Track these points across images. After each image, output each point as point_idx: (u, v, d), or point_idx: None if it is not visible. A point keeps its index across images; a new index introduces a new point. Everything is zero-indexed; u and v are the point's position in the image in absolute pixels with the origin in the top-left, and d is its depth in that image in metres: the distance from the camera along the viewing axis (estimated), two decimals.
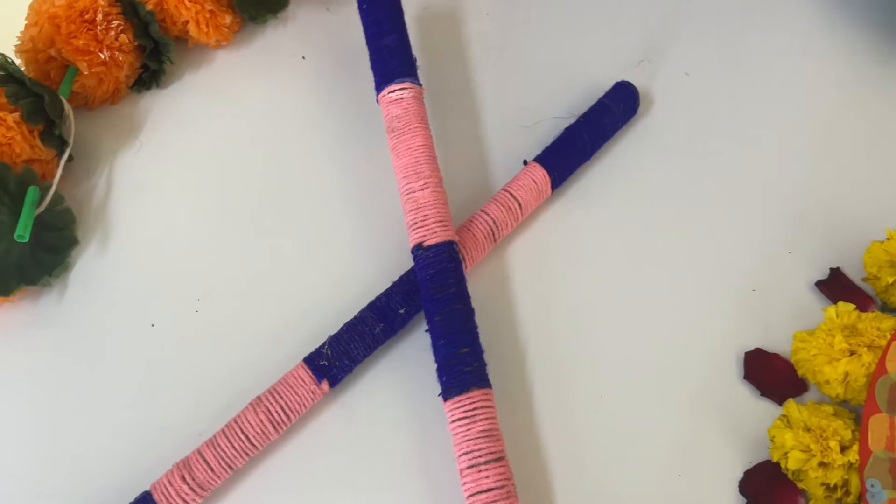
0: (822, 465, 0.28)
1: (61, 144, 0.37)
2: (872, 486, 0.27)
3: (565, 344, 0.34)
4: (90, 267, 0.36)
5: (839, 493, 0.28)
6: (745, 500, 0.30)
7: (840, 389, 0.30)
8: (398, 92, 0.35)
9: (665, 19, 0.41)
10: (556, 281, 0.35)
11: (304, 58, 0.41)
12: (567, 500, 0.30)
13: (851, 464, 0.28)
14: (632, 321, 0.34)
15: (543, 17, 0.42)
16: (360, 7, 0.37)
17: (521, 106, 0.39)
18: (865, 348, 0.30)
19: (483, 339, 0.33)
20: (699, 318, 0.34)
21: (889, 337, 0.30)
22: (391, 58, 0.36)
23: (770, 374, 0.32)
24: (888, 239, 0.33)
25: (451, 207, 0.36)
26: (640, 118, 0.39)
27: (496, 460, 0.29)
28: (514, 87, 0.40)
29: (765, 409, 0.32)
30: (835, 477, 0.28)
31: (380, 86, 0.36)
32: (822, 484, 0.28)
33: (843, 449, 0.29)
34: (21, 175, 0.35)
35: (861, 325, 0.31)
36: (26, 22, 0.39)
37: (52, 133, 0.37)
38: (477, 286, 0.35)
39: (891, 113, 0.38)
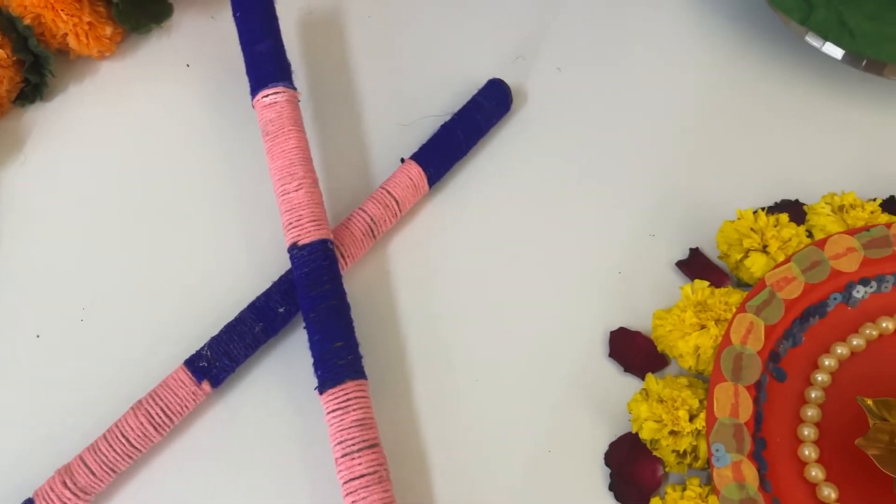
0: (673, 433, 0.30)
1: None
2: (717, 450, 0.29)
3: (444, 333, 0.35)
4: None
5: (689, 459, 0.30)
6: (609, 471, 0.32)
7: (692, 362, 0.32)
8: (271, 96, 0.36)
9: (539, 17, 0.43)
10: (435, 273, 0.36)
11: (188, 65, 0.42)
12: (442, 481, 0.32)
13: (699, 431, 0.30)
14: (507, 308, 0.35)
15: (423, 19, 0.43)
16: (234, 15, 0.38)
17: (402, 106, 0.40)
18: (713, 322, 0.32)
19: (365, 332, 0.34)
20: (569, 301, 0.35)
21: (734, 311, 0.32)
22: (264, 63, 0.36)
23: (633, 351, 0.34)
24: (738, 219, 0.35)
25: (333, 207, 0.38)
26: (515, 113, 0.40)
27: (369, 447, 0.30)
28: (394, 88, 0.41)
29: (629, 385, 0.33)
30: (684, 444, 0.30)
31: (254, 90, 0.37)
32: (674, 451, 0.30)
33: (692, 417, 0.31)
34: None
35: (711, 300, 0.33)
36: None
37: None
38: (359, 282, 0.36)
39: (744, 102, 0.40)
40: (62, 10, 0.39)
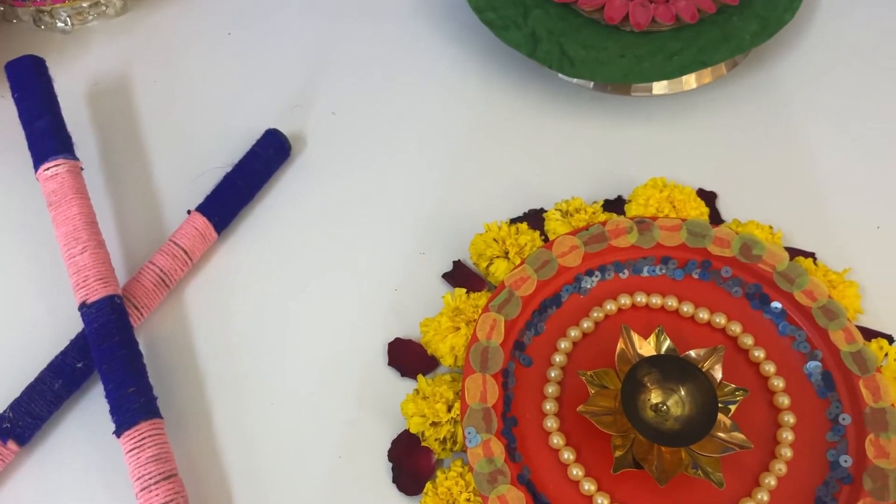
0: (434, 424, 0.35)
1: None
2: (469, 433, 0.34)
3: (240, 367, 0.38)
4: None
5: (449, 444, 0.35)
6: (392, 466, 0.36)
7: (451, 360, 0.37)
8: (52, 168, 0.39)
9: (312, 68, 0.47)
10: (230, 312, 0.40)
11: None
12: (244, 500, 0.35)
13: (455, 419, 0.35)
14: (296, 334, 0.39)
15: (206, 79, 0.47)
16: (13, 95, 0.41)
17: (191, 161, 0.44)
18: (465, 324, 0.37)
19: (166, 375, 0.37)
20: (352, 321, 0.40)
21: (481, 311, 0.37)
22: (44, 139, 0.39)
23: (408, 358, 0.38)
24: (485, 231, 0.40)
25: (129, 263, 0.41)
26: (297, 157, 0.44)
27: (165, 479, 0.33)
28: (183, 145, 0.44)
29: (407, 388, 0.38)
30: (443, 432, 0.35)
31: (36, 164, 0.39)
32: (437, 440, 0.35)
33: (450, 408, 0.35)
34: None
35: (464, 305, 0.38)
36: None
37: None
38: (159, 329, 0.39)
39: (500, 127, 0.45)
40: None
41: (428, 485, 0.35)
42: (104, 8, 0.48)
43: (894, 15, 0.48)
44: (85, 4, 0.47)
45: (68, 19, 0.47)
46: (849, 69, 0.47)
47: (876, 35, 0.48)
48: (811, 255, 0.40)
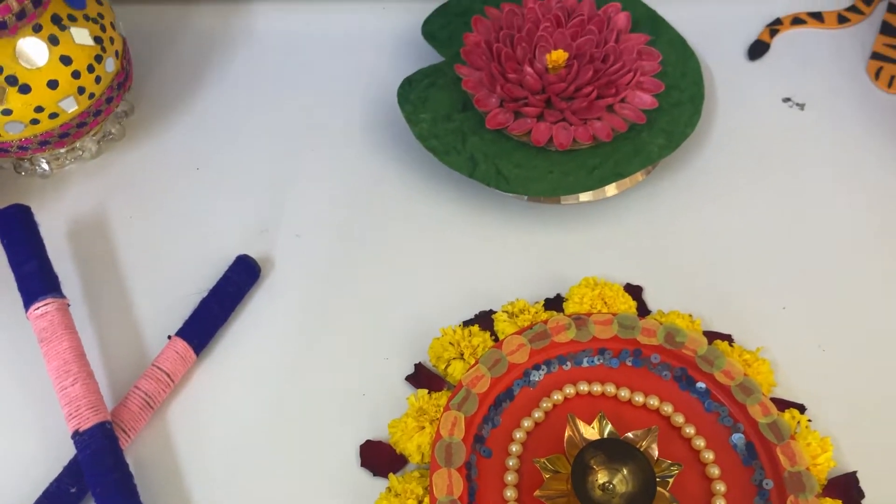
0: None
1: None
2: None
3: (221, 476, 0.42)
4: None
5: None
6: None
7: (418, 458, 0.41)
8: (42, 308, 0.42)
9: (277, 193, 0.52)
10: (210, 429, 0.43)
11: None
12: None
13: None
14: (275, 444, 0.43)
15: (178, 211, 0.51)
16: (1, 241, 0.44)
17: (169, 288, 0.48)
18: (429, 422, 0.41)
19: (153, 493, 0.40)
20: (328, 426, 0.43)
21: (442, 410, 0.41)
22: (32, 281, 0.43)
23: (379, 458, 0.42)
24: (442, 335, 0.44)
25: (114, 388, 0.44)
26: (265, 279, 0.49)
27: None
28: (159, 275, 0.48)
29: (380, 487, 0.41)
30: None
31: (27, 305, 0.43)
32: None
33: (420, 503, 0.39)
34: None
35: (427, 405, 0.42)
36: None
37: None
38: (145, 449, 0.42)
39: (446, 241, 0.51)
40: None
41: None
42: (80, 152, 0.52)
43: (777, 121, 0.56)
44: (62, 150, 0.51)
45: (47, 165, 0.52)
46: (745, 169, 0.53)
47: (766, 139, 0.55)
48: (728, 337, 0.46)
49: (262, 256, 0.49)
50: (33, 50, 0.46)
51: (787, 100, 0.56)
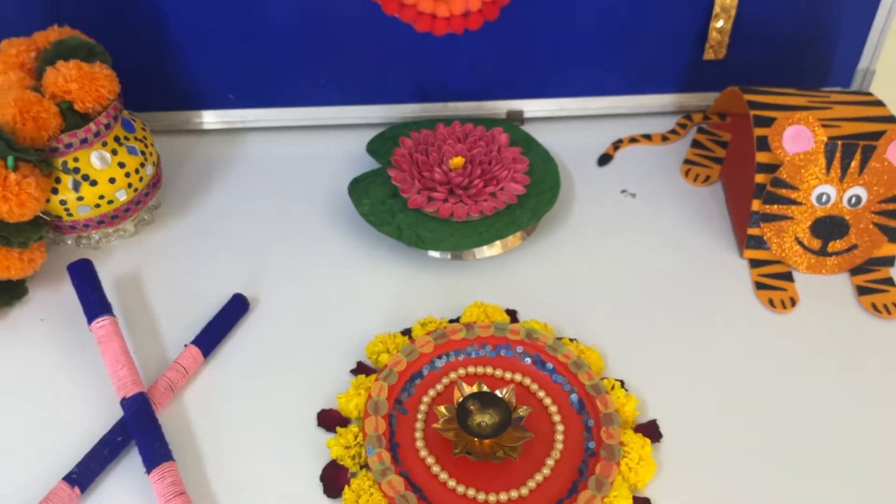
0: (347, 447, 0.56)
1: None
2: (369, 448, 0.56)
3: (221, 439, 0.59)
4: None
5: (358, 459, 0.56)
6: (322, 484, 0.56)
7: (356, 414, 0.59)
8: (101, 322, 0.62)
9: (264, 256, 0.73)
10: (213, 407, 0.62)
11: (42, 320, 0.67)
12: None
13: (360, 444, 0.57)
14: (260, 414, 0.61)
15: (193, 267, 0.72)
16: (73, 282, 0.65)
17: (184, 315, 0.67)
18: (364, 391, 0.60)
19: (173, 447, 0.58)
20: (296, 401, 0.62)
21: (372, 382, 0.60)
22: (94, 305, 0.63)
23: (329, 419, 0.60)
24: (376, 339, 0.64)
25: (148, 377, 0.62)
26: (252, 311, 0.69)
27: (177, 495, 0.53)
28: (178, 306, 0.68)
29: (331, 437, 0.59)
30: (353, 452, 0.56)
31: (89, 321, 0.62)
32: (350, 458, 0.56)
33: (355, 437, 0.57)
34: None
35: (362, 381, 0.61)
36: None
37: None
38: (166, 418, 0.60)
39: (384, 283, 0.72)
40: None
41: (346, 487, 0.55)
42: (122, 232, 0.74)
43: (617, 205, 0.79)
44: (110, 230, 0.72)
45: (99, 240, 0.72)
46: (593, 236, 0.76)
47: (609, 217, 0.78)
48: (574, 339, 0.66)
49: (251, 296, 0.69)
50: (102, 158, 0.68)
51: (623, 191, 0.80)
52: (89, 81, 0.66)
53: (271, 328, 0.68)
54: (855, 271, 0.72)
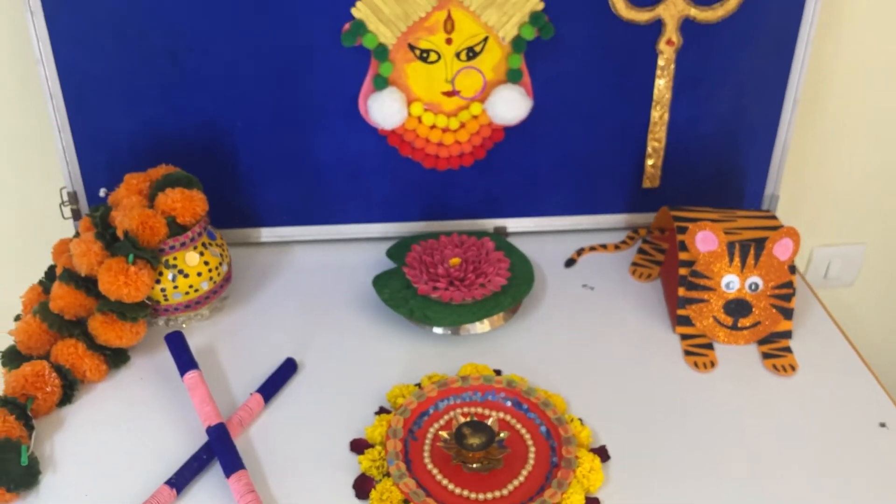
0: (373, 460, 0.76)
1: None
2: (390, 461, 0.75)
3: (280, 460, 0.79)
4: None
5: (382, 471, 0.75)
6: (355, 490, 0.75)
7: (379, 440, 0.79)
8: (190, 374, 0.83)
9: (307, 335, 0.95)
10: (272, 440, 0.81)
11: (141, 378, 0.88)
12: None
13: (383, 457, 0.76)
14: (307, 441, 0.81)
15: (254, 342, 0.94)
16: (169, 347, 0.86)
17: (246, 373, 0.88)
18: (385, 423, 0.80)
19: (246, 459, 0.77)
20: (334, 434, 0.82)
21: (391, 417, 0.80)
22: (185, 363, 0.85)
23: (359, 446, 0.80)
24: (394, 389, 0.85)
25: (223, 415, 0.83)
26: (300, 372, 0.90)
27: (249, 492, 0.72)
28: (241, 367, 0.89)
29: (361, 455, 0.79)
30: (377, 464, 0.76)
31: (182, 373, 0.84)
32: (375, 468, 0.75)
33: (381, 454, 0.77)
34: None
35: (384, 418, 0.81)
36: None
37: None
38: (238, 446, 0.80)
39: (396, 352, 0.93)
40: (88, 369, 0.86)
41: (372, 490, 0.74)
42: (200, 315, 0.96)
43: (579, 297, 1.01)
44: (192, 314, 0.95)
45: (183, 322, 0.95)
46: (560, 318, 0.98)
47: (572, 306, 1.00)
48: (544, 389, 0.86)
49: (299, 360, 0.91)
50: (209, 256, 0.92)
51: (584, 285, 1.03)
52: (189, 202, 0.91)
53: (314, 382, 0.89)
54: (762, 342, 0.94)
